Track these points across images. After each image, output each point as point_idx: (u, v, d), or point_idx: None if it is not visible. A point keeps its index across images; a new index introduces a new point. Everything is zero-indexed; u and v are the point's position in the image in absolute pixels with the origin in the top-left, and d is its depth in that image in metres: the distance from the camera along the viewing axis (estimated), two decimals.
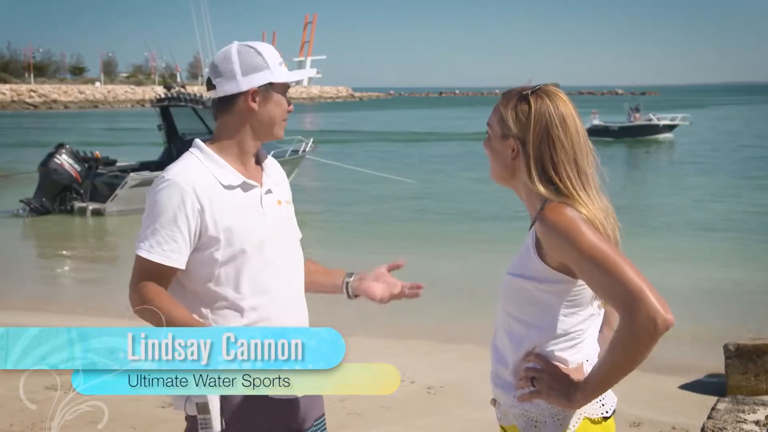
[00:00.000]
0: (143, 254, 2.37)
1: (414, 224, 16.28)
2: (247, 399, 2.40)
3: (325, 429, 2.63)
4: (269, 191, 2.51)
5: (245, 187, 2.45)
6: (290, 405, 2.46)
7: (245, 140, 2.48)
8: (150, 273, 2.37)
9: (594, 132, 41.96)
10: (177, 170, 2.40)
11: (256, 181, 2.49)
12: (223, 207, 2.39)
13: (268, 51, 2.48)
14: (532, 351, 2.09)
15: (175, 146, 19.67)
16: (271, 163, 2.61)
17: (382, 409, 5.74)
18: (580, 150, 2.07)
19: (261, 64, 2.44)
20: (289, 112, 2.51)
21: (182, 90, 19.68)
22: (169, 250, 2.35)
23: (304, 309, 2.56)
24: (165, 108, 19.48)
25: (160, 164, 19.25)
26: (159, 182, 2.39)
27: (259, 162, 2.57)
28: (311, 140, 20.78)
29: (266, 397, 2.42)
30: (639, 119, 42.54)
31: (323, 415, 2.62)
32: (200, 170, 2.40)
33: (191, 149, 2.49)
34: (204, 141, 2.50)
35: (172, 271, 2.38)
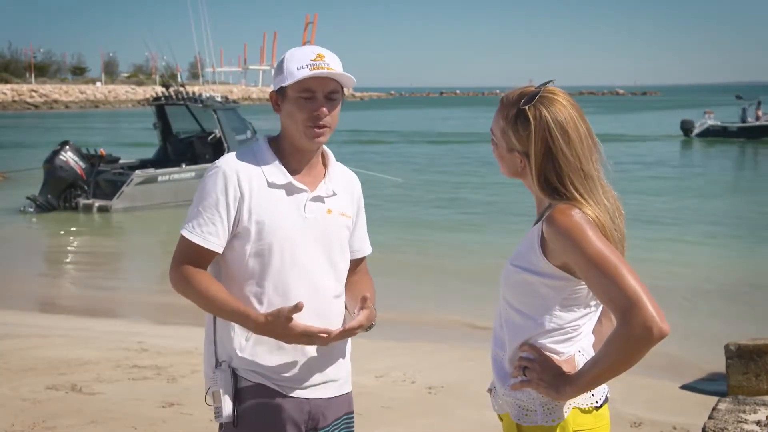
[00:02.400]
0: (185, 234, 2.45)
1: (410, 223, 16.27)
2: (262, 394, 2.44)
3: (349, 429, 2.62)
4: (319, 198, 2.51)
5: (290, 189, 2.47)
6: (305, 403, 2.48)
7: (289, 141, 2.51)
8: (189, 253, 2.45)
9: (710, 133, 39.74)
10: (227, 158, 2.49)
11: (307, 185, 2.50)
12: (262, 201, 2.44)
13: (294, 55, 2.46)
14: (527, 341, 2.13)
15: (170, 144, 19.77)
16: (338, 172, 2.60)
17: (383, 409, 5.74)
18: (584, 155, 2.09)
19: (280, 68, 2.47)
20: (313, 119, 2.43)
21: (179, 89, 19.74)
22: (207, 233, 2.42)
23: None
24: (160, 106, 19.57)
25: (156, 162, 19.37)
26: (210, 168, 2.49)
27: (325, 168, 2.58)
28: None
29: (281, 393, 2.44)
30: (761, 117, 39.76)
31: (345, 414, 2.61)
32: (251, 162, 2.47)
33: (256, 142, 2.57)
34: (270, 137, 2.57)
35: (210, 253, 2.45)
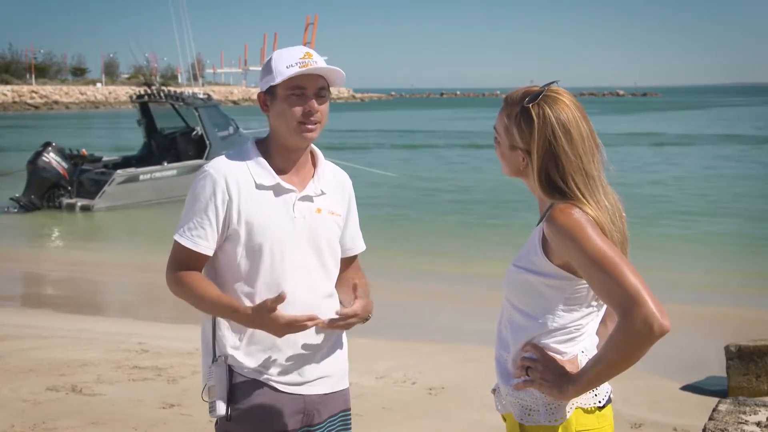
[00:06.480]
0: (177, 238, 2.50)
1: (409, 222, 16.26)
2: (256, 390, 2.46)
3: (346, 426, 2.64)
4: (307, 197, 2.53)
5: (278, 190, 2.50)
6: (299, 399, 2.51)
7: (278, 142, 2.53)
8: (181, 256, 2.49)
9: None
10: (216, 162, 2.53)
11: (295, 186, 2.52)
12: (251, 203, 2.46)
13: (282, 55, 2.49)
14: (530, 341, 2.14)
15: (155, 141, 20.07)
16: (326, 172, 2.61)
17: (384, 410, 5.74)
18: (585, 155, 2.10)
19: (268, 68, 2.49)
20: (306, 115, 2.46)
21: (161, 87, 20.12)
22: (197, 236, 2.46)
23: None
24: (144, 104, 19.87)
25: (140, 159, 19.73)
26: (199, 172, 2.52)
27: (314, 167, 2.59)
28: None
29: (275, 389, 2.46)
30: None
31: (342, 411, 2.63)
32: (239, 165, 2.50)
33: (244, 145, 2.58)
34: (258, 139, 2.59)
35: (201, 256, 2.49)
